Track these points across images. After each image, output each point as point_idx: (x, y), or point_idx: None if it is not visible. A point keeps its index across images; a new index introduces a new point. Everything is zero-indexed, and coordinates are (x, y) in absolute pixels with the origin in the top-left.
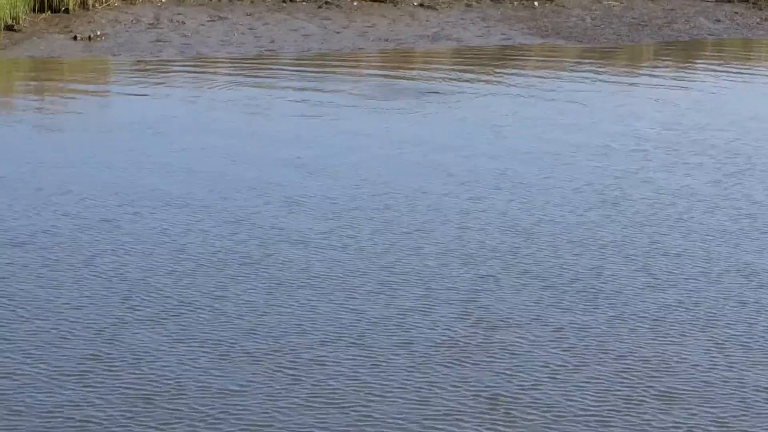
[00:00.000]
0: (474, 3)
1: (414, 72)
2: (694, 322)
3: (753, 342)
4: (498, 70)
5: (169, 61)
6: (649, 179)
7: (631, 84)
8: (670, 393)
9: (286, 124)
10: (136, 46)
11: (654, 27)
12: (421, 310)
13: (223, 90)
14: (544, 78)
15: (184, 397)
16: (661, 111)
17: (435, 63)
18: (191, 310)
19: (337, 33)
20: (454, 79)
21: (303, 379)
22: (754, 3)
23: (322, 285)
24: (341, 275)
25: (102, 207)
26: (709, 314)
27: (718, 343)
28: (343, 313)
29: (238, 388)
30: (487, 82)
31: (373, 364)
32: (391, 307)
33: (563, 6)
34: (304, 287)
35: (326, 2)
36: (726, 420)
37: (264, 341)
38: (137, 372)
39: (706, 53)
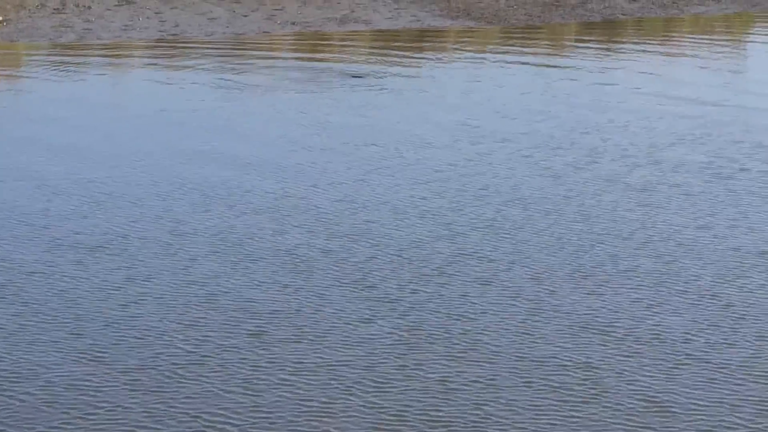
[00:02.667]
0: None
1: (296, 54)
2: None
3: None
4: (392, 53)
5: (65, 45)
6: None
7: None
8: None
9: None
10: (36, 31)
11: (567, 7)
12: None
13: (86, 77)
14: (432, 61)
15: None
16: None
17: (330, 46)
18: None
19: (245, 16)
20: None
21: None
22: None
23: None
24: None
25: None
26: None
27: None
28: None
29: None
30: (388, 64)
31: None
32: None
33: None
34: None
35: None
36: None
37: None
38: None
39: (605, 33)
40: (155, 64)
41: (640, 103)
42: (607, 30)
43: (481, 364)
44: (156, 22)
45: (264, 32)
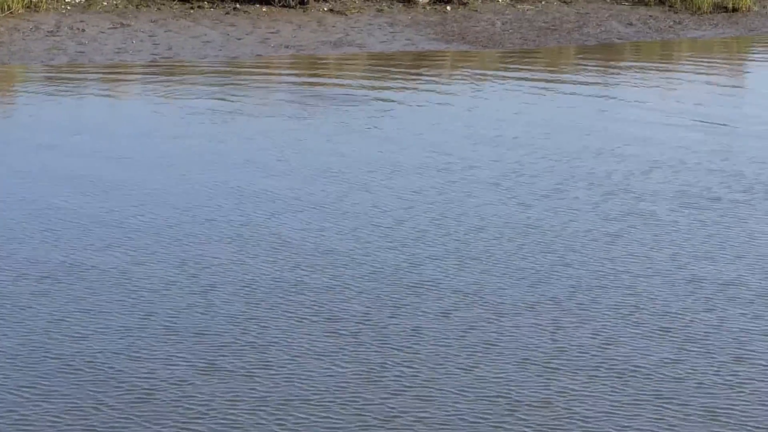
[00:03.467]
0: (385, 8)
1: (292, 79)
2: None
3: None
4: (383, 77)
5: (56, 67)
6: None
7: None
8: None
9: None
10: (28, 54)
11: (563, 31)
12: None
13: (78, 99)
14: (414, 86)
15: None
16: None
17: (323, 69)
18: None
19: (239, 40)
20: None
21: None
22: (670, 6)
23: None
24: None
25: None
26: None
27: None
28: None
29: None
30: (375, 88)
31: None
32: None
33: (476, 10)
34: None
35: (234, 8)
36: None
37: None
38: None
39: (601, 57)
40: (145, 88)
41: (624, 128)
42: (604, 54)
43: (434, 401)
44: (149, 45)
45: (257, 55)
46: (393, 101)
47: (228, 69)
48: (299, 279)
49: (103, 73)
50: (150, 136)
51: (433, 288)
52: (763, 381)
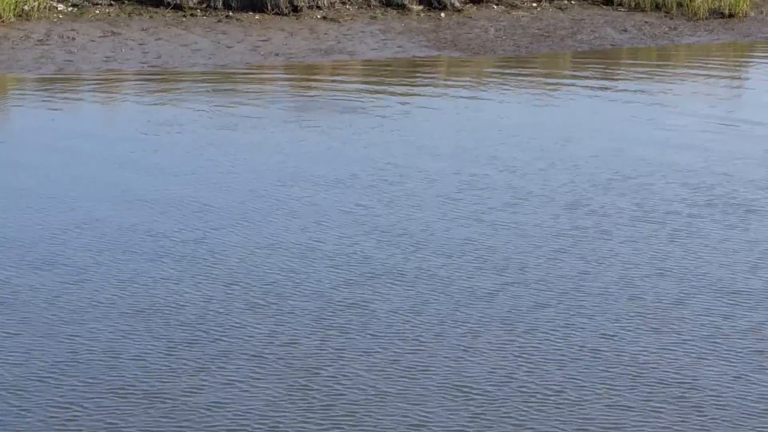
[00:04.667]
0: (379, 15)
1: (272, 88)
2: None
3: None
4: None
5: (40, 79)
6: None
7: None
8: None
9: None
10: (15, 63)
11: (557, 38)
12: None
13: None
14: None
15: None
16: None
17: (311, 76)
18: None
19: (229, 48)
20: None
21: None
22: (666, 12)
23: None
24: None
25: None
26: None
27: None
28: None
29: None
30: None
31: None
32: None
33: (470, 17)
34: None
35: (227, 16)
36: None
37: None
38: None
39: (588, 64)
40: (125, 97)
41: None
42: (597, 60)
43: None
44: (138, 53)
45: (246, 63)
46: (364, 109)
47: (214, 77)
48: (226, 298)
49: (89, 81)
50: (106, 141)
51: (369, 307)
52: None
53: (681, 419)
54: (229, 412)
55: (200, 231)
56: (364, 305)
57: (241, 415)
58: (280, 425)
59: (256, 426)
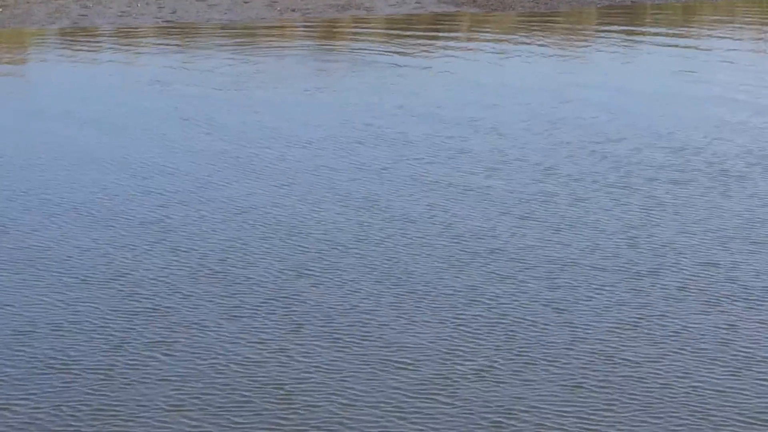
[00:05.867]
0: None
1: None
2: None
3: None
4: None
5: (49, 33)
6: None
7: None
8: None
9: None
10: (30, 17)
11: None
12: None
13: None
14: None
15: None
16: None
17: (328, 33)
18: None
19: (246, 3)
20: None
21: None
22: None
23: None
24: None
25: None
26: None
27: None
28: None
29: None
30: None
31: None
32: None
33: None
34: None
35: None
36: None
37: None
38: None
39: (607, 19)
40: (139, 51)
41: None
42: (623, 17)
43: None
44: (154, 8)
45: (261, 18)
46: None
47: (226, 33)
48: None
49: (107, 36)
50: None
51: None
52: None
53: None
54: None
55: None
56: (320, 273)
57: None
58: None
59: None
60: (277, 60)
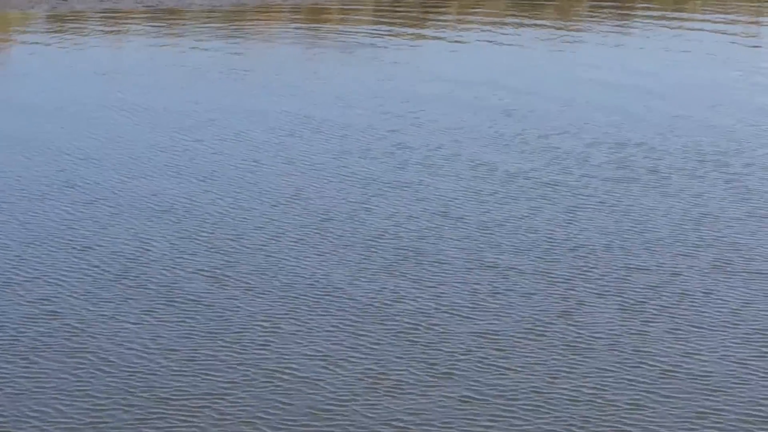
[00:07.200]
0: None
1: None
2: None
3: None
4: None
5: (23, 18)
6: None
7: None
8: None
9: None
10: (8, 2)
11: None
12: None
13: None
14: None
15: None
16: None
17: (317, 15)
18: None
19: None
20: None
21: None
22: None
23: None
24: None
25: None
26: None
27: None
28: None
29: None
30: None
31: None
32: None
33: None
34: None
35: None
36: None
37: None
38: None
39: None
40: (108, 34)
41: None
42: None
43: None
44: None
45: (242, 3)
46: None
47: (204, 18)
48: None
49: (95, 19)
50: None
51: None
52: None
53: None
54: None
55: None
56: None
57: None
58: None
59: None
60: (257, 49)
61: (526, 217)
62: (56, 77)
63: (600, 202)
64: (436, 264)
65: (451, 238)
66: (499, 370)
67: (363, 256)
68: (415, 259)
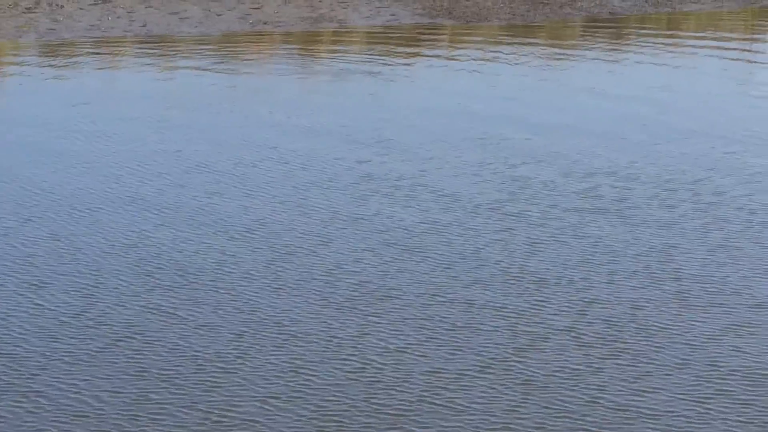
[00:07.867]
0: None
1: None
2: None
3: None
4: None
5: (14, 48)
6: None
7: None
8: None
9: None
10: None
11: (555, 5)
12: None
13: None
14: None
15: None
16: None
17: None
18: None
19: (218, 16)
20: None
21: None
22: None
23: None
24: None
25: None
26: None
27: None
28: None
29: None
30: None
31: None
32: None
33: None
34: None
35: None
36: None
37: None
38: None
39: (567, 33)
40: (83, 67)
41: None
42: (606, 30)
43: None
44: (125, 22)
45: (231, 32)
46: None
47: (192, 46)
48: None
49: (84, 47)
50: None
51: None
52: None
53: None
54: None
55: None
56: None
57: None
58: None
59: None
60: (243, 76)
61: (487, 248)
62: (34, 105)
63: (565, 233)
64: (396, 299)
65: (412, 271)
66: (455, 410)
67: (321, 294)
68: (374, 294)
